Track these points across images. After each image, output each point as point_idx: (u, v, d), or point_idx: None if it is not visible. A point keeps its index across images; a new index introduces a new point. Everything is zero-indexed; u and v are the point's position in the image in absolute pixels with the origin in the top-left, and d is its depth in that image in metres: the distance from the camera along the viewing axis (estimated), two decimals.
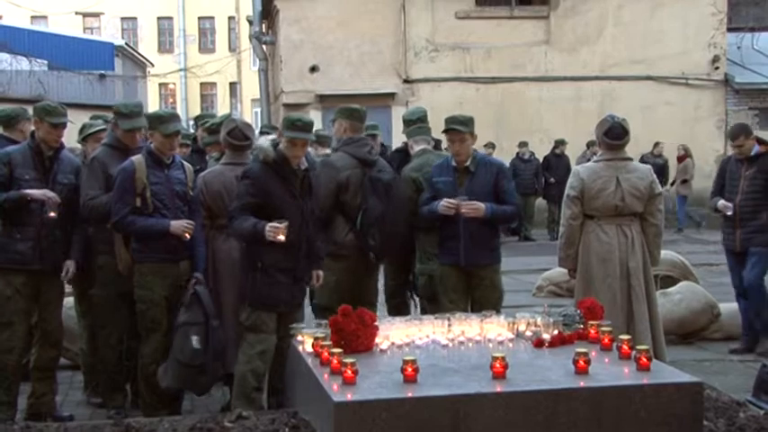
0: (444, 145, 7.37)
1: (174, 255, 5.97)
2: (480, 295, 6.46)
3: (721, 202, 7.98)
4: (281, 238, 5.45)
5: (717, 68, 21.15)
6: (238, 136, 6.31)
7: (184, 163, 6.31)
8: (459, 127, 6.46)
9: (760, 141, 7.92)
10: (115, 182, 5.96)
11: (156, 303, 5.94)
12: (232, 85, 43.84)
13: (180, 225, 5.90)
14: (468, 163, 6.51)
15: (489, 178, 6.49)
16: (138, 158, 5.99)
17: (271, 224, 5.46)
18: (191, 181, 6.17)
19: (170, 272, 5.96)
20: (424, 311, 7.09)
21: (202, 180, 6.25)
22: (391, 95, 20.37)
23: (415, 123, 7.53)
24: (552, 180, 18.48)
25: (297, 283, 5.81)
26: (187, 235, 5.88)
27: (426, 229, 6.84)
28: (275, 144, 5.75)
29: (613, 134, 6.45)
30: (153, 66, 39.55)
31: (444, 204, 6.33)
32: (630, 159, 6.58)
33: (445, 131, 6.51)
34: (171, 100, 45.84)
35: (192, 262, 6.02)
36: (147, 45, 44.98)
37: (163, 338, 5.93)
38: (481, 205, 6.33)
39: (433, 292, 6.82)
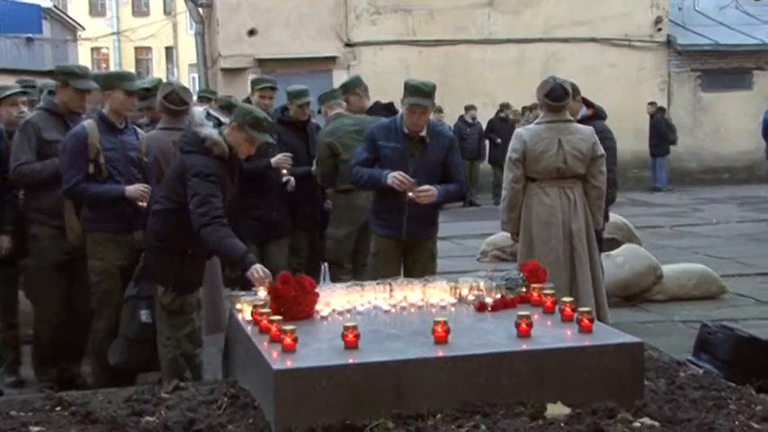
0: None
1: (129, 223, 5.89)
2: (418, 266, 6.39)
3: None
4: (262, 293, 5.02)
5: (659, 30, 21.39)
6: (176, 100, 6.23)
7: (137, 128, 6.23)
8: (425, 102, 6.15)
9: (587, 104, 7.55)
10: (65, 148, 5.85)
11: (110, 274, 5.88)
12: (168, 49, 43.29)
13: (136, 189, 5.82)
14: (423, 132, 6.29)
15: (440, 151, 6.36)
16: (89, 123, 5.88)
17: (259, 274, 5.10)
18: (144, 146, 6.08)
19: (124, 241, 5.89)
20: (334, 278, 7.19)
21: None
22: (332, 59, 20.27)
23: (353, 87, 7.65)
24: (498, 141, 18.53)
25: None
26: (144, 201, 5.79)
27: (344, 192, 6.99)
28: (220, 130, 5.48)
29: (554, 95, 6.47)
30: (84, 29, 38.80)
31: (397, 179, 6.07)
32: (572, 121, 6.63)
33: (411, 106, 6.13)
34: (104, 65, 45.05)
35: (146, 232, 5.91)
36: (76, 7, 44.09)
37: (116, 312, 5.86)
38: (434, 190, 6.14)
39: (339, 258, 7.02)
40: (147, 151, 6.08)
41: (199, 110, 5.75)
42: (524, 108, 18.27)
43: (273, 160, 7.13)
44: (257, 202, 7.08)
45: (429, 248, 6.53)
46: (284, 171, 7.19)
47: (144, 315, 5.71)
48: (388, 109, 7.76)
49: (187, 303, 5.63)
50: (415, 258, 6.46)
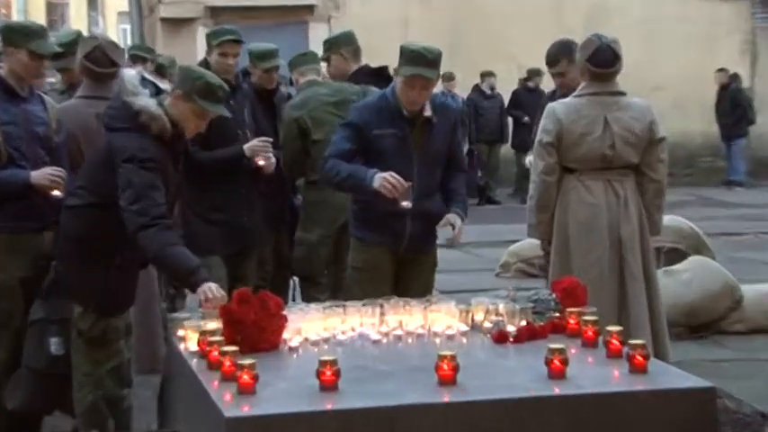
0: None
1: (36, 221, 5.88)
2: (417, 282, 6.42)
3: (528, 160, 7.49)
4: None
5: None
6: (100, 60, 6.26)
7: (45, 96, 6.23)
8: (429, 72, 6.08)
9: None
10: None
11: (9, 289, 5.88)
12: None
13: (44, 175, 5.80)
14: (428, 112, 6.27)
15: (447, 132, 6.41)
16: None
17: (213, 294, 5.11)
18: (54, 120, 6.07)
19: (29, 245, 5.89)
20: (303, 295, 7.23)
21: None
22: (308, 9, 20.31)
23: (340, 46, 7.67)
24: (526, 120, 18.48)
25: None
26: (56, 190, 5.78)
27: (317, 184, 7.04)
28: (159, 100, 5.51)
29: (601, 60, 6.50)
30: None
31: (388, 182, 5.96)
32: (623, 94, 6.66)
33: (410, 78, 6.09)
34: (3, 12, 44.98)
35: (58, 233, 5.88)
36: None
37: (17, 340, 5.86)
38: (458, 221, 6.25)
39: (312, 270, 6.99)
40: (58, 127, 6.08)
41: (131, 73, 5.76)
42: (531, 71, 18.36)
43: (247, 147, 6.91)
44: (221, 203, 6.94)
45: (431, 260, 6.55)
46: (261, 162, 6.97)
47: (54, 344, 5.71)
48: (379, 75, 7.74)
49: (112, 329, 5.64)
50: (412, 273, 6.48)
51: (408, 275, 6.48)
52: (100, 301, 5.56)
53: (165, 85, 5.79)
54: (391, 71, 6.91)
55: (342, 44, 7.80)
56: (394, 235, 6.29)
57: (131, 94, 5.45)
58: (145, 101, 5.42)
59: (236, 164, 6.88)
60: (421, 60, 6.06)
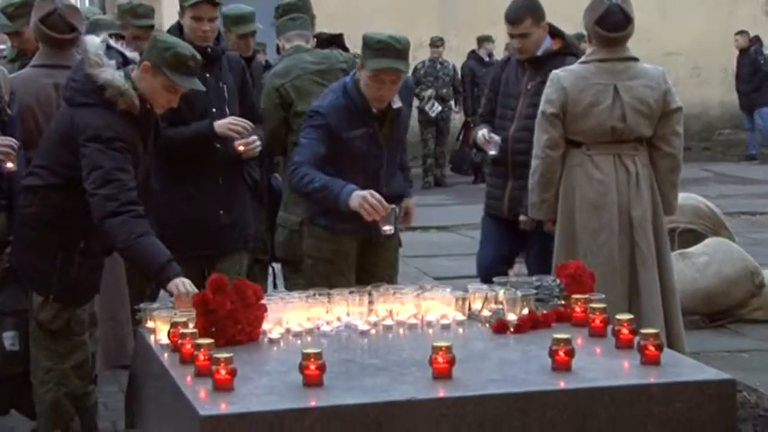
0: None
1: None
2: (381, 265, 6.47)
3: (482, 133, 7.20)
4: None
5: None
6: (58, 25, 6.23)
7: None
8: (400, 64, 6.02)
9: (554, 33, 7.24)
10: None
11: None
12: None
13: None
14: (396, 103, 6.24)
15: (408, 110, 6.53)
16: None
17: (185, 289, 5.11)
18: (6, 91, 6.05)
19: None
20: (286, 282, 7.22)
21: None
22: None
23: (292, 12, 7.63)
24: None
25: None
26: (9, 163, 5.76)
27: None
28: (126, 71, 5.48)
29: (610, 22, 6.51)
30: None
31: (368, 203, 5.84)
32: (635, 59, 6.67)
33: (378, 72, 5.99)
34: None
35: (11, 215, 5.86)
36: None
37: None
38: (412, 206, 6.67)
39: (294, 254, 6.91)
40: (11, 99, 6.06)
41: (95, 41, 5.70)
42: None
43: (219, 124, 6.53)
44: (193, 194, 6.66)
45: (394, 242, 6.60)
46: (241, 148, 6.59)
47: (9, 338, 5.71)
48: (334, 44, 7.70)
49: (76, 321, 5.64)
50: (376, 258, 6.48)
51: (372, 261, 6.49)
52: (62, 290, 5.54)
53: (133, 53, 5.75)
54: (352, 49, 6.97)
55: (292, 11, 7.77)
56: (367, 224, 6.09)
57: (95, 65, 5.41)
58: (111, 73, 5.39)
59: (208, 145, 6.58)
60: (390, 51, 5.96)
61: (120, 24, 7.96)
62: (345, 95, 6.17)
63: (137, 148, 5.45)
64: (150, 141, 5.64)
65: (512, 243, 7.25)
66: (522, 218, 6.96)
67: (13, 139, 5.81)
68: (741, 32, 20.66)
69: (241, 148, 6.55)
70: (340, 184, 5.96)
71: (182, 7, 6.77)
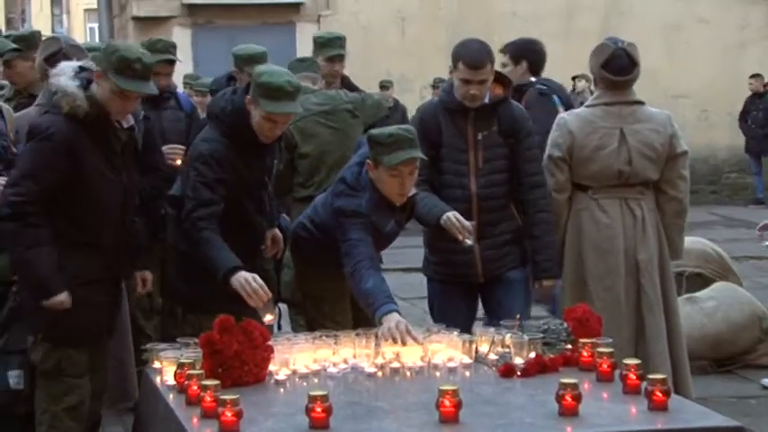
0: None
1: None
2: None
3: (452, 216, 6.08)
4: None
5: None
6: None
7: (1, 105, 6.24)
8: (416, 153, 5.73)
9: (500, 79, 6.58)
10: None
11: None
12: None
13: None
14: (412, 191, 6.00)
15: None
16: None
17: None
18: (12, 131, 6.07)
19: None
20: (293, 323, 7.20)
21: None
22: (295, 7, 20.32)
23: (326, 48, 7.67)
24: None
25: (115, 299, 5.81)
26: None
27: (305, 201, 7.00)
28: (85, 83, 5.45)
29: (616, 66, 6.52)
30: None
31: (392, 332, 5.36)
32: (641, 103, 6.68)
33: (395, 165, 5.69)
34: None
35: None
36: None
37: None
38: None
39: (303, 295, 6.87)
40: (17, 138, 6.09)
41: (70, 64, 5.66)
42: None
43: (236, 279, 5.80)
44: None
45: None
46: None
47: (14, 377, 5.70)
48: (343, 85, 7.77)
49: (69, 362, 5.58)
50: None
51: None
52: (50, 329, 5.51)
53: None
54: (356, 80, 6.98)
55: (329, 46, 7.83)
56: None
57: (54, 75, 5.48)
58: (64, 80, 5.41)
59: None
60: (404, 142, 5.73)
61: None
62: (370, 197, 5.85)
63: (82, 154, 5.40)
64: (114, 155, 5.57)
65: (475, 303, 6.83)
66: (546, 282, 6.53)
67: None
68: (755, 76, 20.58)
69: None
70: (381, 299, 5.59)
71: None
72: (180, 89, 9.19)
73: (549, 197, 6.55)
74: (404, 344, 5.26)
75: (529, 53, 8.26)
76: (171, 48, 7.82)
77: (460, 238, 5.92)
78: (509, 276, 6.49)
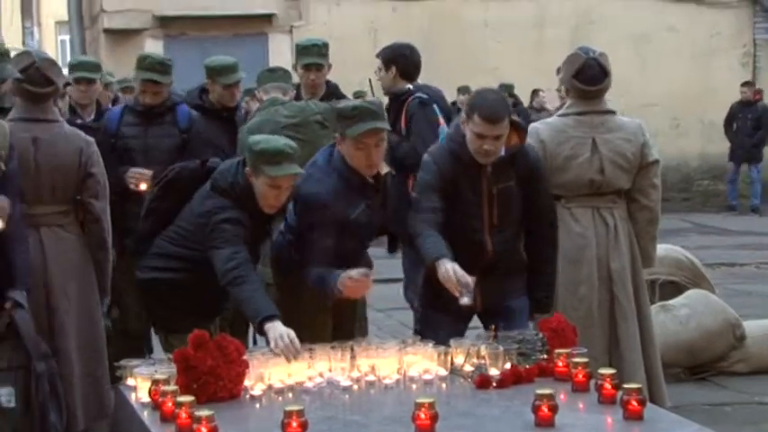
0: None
1: None
2: (349, 318, 6.45)
3: (450, 269, 5.65)
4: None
5: None
6: (36, 79, 6.23)
7: None
8: (381, 124, 5.81)
9: (515, 125, 6.11)
10: None
11: None
12: None
13: None
14: (384, 169, 6.11)
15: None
16: None
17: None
18: (4, 147, 6.04)
19: None
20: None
21: None
22: (268, 18, 20.32)
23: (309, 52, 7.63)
24: None
25: None
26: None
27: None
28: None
29: (587, 76, 6.53)
30: None
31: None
32: (613, 112, 6.69)
33: (361, 134, 5.75)
34: None
35: (6, 274, 5.80)
36: None
37: None
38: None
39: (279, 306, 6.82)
40: (10, 154, 6.05)
41: None
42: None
43: (269, 328, 5.45)
44: None
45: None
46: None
47: (5, 395, 5.67)
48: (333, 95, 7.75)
49: None
50: (343, 310, 6.34)
51: (339, 313, 6.32)
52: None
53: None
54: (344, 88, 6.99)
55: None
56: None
57: None
58: None
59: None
60: (366, 114, 5.77)
61: (134, 77, 7.97)
62: (339, 176, 5.90)
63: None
64: None
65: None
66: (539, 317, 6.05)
67: (6, 199, 5.78)
68: (747, 84, 20.46)
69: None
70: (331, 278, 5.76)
71: None
72: None
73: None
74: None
75: (399, 58, 8.10)
76: (158, 65, 7.64)
77: (457, 295, 5.60)
78: (510, 306, 6.23)
